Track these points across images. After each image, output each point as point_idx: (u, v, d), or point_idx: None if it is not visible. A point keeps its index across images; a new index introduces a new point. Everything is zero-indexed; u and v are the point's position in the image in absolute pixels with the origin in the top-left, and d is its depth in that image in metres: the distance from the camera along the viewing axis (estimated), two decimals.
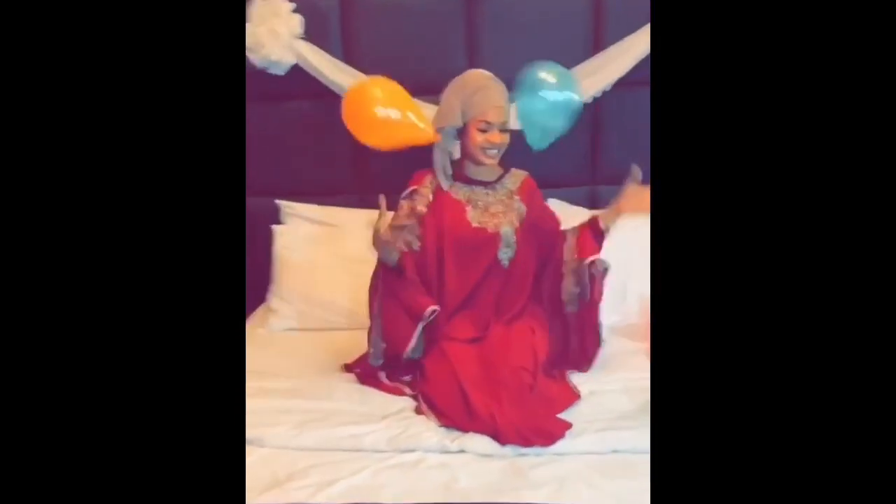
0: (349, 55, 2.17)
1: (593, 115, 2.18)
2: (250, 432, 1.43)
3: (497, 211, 1.74)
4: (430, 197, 1.73)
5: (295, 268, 2.16)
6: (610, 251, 2.09)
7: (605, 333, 1.92)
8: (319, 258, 2.16)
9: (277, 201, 2.27)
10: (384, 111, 1.71)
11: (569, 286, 1.74)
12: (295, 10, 2.12)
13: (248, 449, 1.42)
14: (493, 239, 1.71)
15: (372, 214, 2.21)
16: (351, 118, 1.76)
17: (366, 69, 2.13)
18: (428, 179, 1.76)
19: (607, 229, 1.75)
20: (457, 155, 1.77)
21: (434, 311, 1.64)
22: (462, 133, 1.70)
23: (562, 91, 1.77)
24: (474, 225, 1.71)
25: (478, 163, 1.71)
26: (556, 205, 2.19)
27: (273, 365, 1.81)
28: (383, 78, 1.81)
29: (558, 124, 1.78)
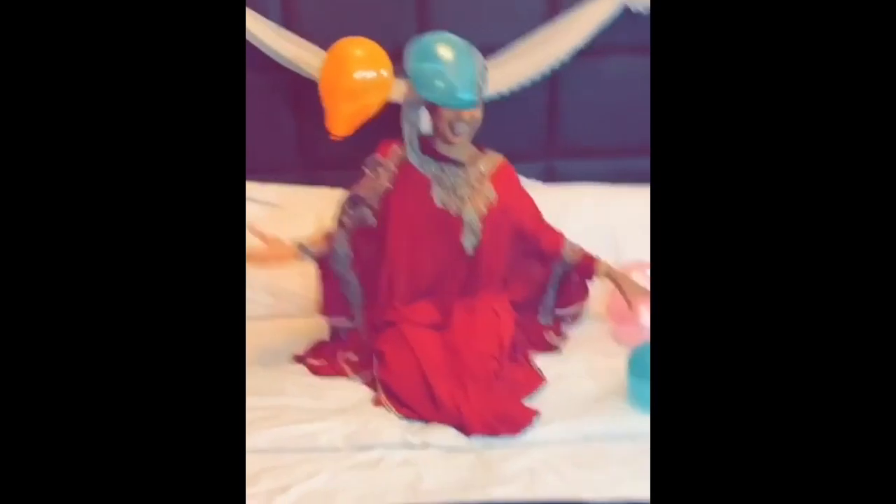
0: (288, 21, 2.00)
1: (551, 86, 2.09)
2: None
3: (464, 193, 1.60)
4: (395, 170, 1.60)
5: None
6: (576, 229, 2.04)
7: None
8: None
9: None
10: (363, 74, 1.65)
11: (548, 299, 1.71)
12: None
13: None
14: (456, 223, 1.59)
15: (320, 193, 2.11)
16: (328, 84, 1.68)
17: (308, 35, 1.97)
18: (393, 150, 1.62)
19: (599, 276, 1.67)
20: (429, 129, 1.64)
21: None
22: (431, 106, 1.56)
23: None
24: (437, 205, 1.59)
25: (445, 141, 1.57)
26: None
27: None
28: (362, 38, 1.70)
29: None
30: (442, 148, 1.60)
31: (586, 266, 1.67)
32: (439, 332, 1.53)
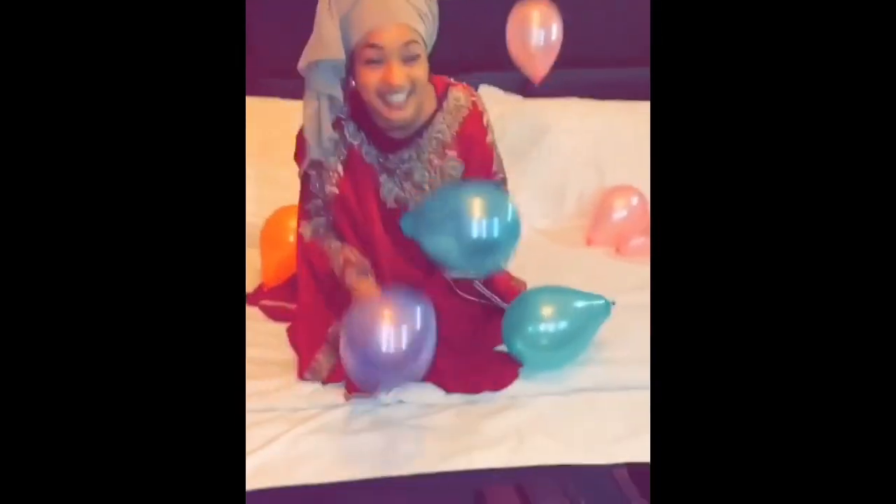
0: None
1: None
2: None
3: (421, 178, 1.25)
4: (340, 170, 1.24)
5: None
6: (555, 150, 1.86)
7: (538, 239, 1.73)
8: None
9: None
10: None
11: None
12: None
13: None
14: None
15: (260, 104, 1.82)
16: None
17: None
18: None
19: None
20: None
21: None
22: (349, 71, 1.18)
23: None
24: (389, 205, 1.25)
25: (381, 117, 1.18)
26: (487, 92, 1.89)
27: None
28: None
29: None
30: (385, 126, 1.22)
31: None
32: None
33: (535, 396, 1.21)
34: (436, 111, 1.25)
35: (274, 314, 1.41)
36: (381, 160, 1.25)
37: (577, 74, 1.91)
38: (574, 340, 1.27)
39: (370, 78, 1.14)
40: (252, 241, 1.56)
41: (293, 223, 1.37)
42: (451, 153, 1.25)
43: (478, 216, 1.09)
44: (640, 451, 1.05)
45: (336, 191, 1.24)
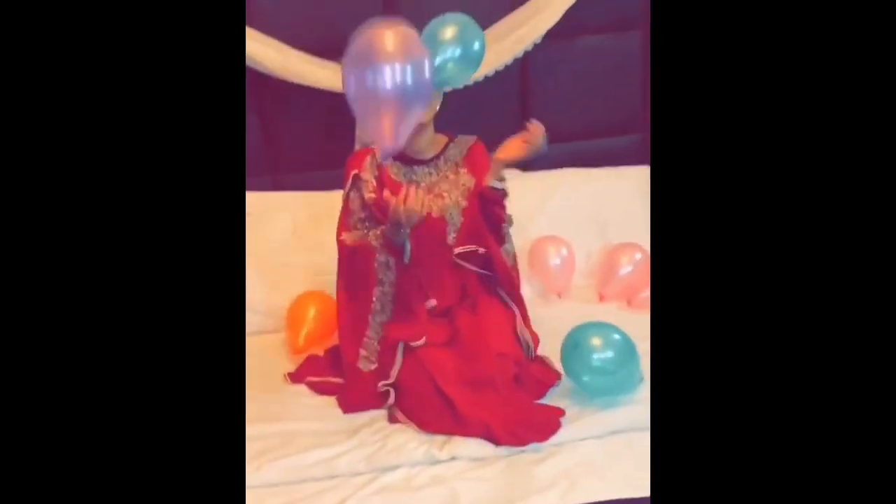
0: (250, 17, 1.86)
1: (522, 70, 2.03)
2: None
3: (443, 190, 1.51)
4: (374, 181, 1.50)
5: None
6: (558, 215, 1.99)
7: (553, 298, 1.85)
8: None
9: None
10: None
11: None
12: None
13: None
14: (441, 224, 1.49)
15: (289, 197, 1.97)
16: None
17: (268, 30, 1.84)
18: (367, 161, 1.51)
19: (498, 185, 1.47)
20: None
21: (434, 305, 1.48)
22: None
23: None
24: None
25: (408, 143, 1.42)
26: None
27: None
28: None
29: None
30: (410, 146, 1.47)
31: (483, 194, 1.49)
32: (450, 347, 1.43)
33: (577, 441, 1.30)
34: (447, 143, 1.56)
35: (321, 389, 1.50)
36: (406, 173, 1.51)
37: (569, 147, 2.09)
38: (624, 366, 1.39)
39: None
40: (279, 327, 1.70)
41: (313, 307, 1.66)
42: (463, 170, 1.52)
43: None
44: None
45: (374, 196, 1.49)
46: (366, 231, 1.50)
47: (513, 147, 1.43)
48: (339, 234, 1.52)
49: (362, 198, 1.50)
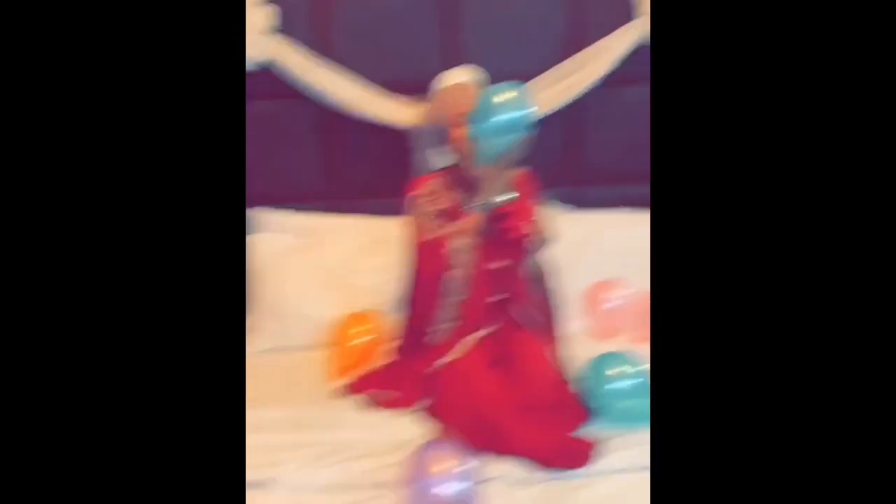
0: (318, 48, 2.02)
1: (571, 117, 2.14)
2: (254, 473, 1.29)
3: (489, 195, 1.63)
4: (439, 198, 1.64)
5: (272, 282, 2.01)
6: (605, 255, 2.07)
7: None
8: (296, 270, 2.01)
9: (248, 209, 2.10)
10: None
11: None
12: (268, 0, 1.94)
13: (254, 494, 1.28)
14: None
15: (349, 221, 2.11)
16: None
17: (339, 60, 2.00)
18: (429, 184, 1.65)
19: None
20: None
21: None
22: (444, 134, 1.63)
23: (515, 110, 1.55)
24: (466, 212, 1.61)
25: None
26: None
27: (262, 391, 1.63)
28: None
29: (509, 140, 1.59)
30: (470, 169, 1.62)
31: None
32: (494, 367, 1.54)
33: (612, 472, 1.37)
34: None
35: (382, 402, 1.61)
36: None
37: (615, 190, 2.19)
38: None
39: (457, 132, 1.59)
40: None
41: (354, 329, 1.82)
42: (511, 188, 1.66)
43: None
44: None
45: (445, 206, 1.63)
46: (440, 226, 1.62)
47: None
48: (416, 240, 1.66)
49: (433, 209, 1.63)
